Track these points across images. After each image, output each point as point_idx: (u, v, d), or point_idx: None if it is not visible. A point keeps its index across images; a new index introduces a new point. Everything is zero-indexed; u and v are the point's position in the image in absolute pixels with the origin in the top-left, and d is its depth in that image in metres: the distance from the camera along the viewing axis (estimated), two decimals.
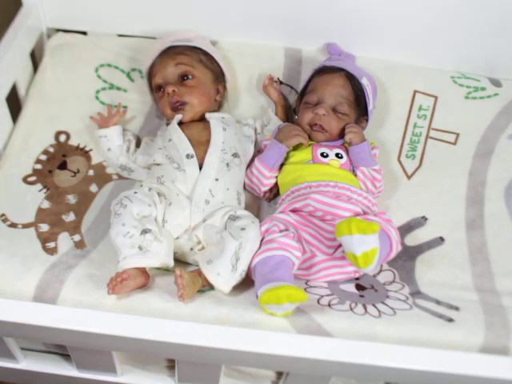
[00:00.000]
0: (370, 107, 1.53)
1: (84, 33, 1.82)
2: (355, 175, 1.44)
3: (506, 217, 1.47)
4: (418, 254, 1.40)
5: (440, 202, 1.51)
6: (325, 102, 1.46)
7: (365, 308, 1.24)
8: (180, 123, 1.50)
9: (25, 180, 1.51)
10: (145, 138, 1.59)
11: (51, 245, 1.36)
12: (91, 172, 1.55)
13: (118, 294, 1.21)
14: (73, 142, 1.61)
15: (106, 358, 1.20)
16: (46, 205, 1.46)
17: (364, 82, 1.51)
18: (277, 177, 1.48)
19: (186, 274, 1.22)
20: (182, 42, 1.57)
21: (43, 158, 1.56)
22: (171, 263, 1.30)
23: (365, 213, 1.36)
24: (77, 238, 1.39)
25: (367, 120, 1.55)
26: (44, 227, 1.40)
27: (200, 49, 1.58)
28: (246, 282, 1.27)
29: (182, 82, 1.51)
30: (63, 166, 1.55)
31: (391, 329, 1.18)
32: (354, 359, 1.05)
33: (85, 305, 1.20)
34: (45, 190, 1.49)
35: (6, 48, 1.60)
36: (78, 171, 1.55)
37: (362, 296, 1.28)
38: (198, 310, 1.21)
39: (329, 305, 1.24)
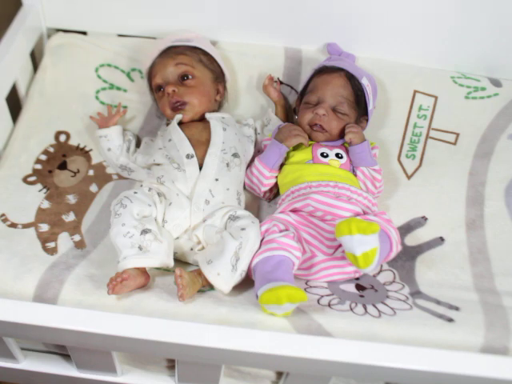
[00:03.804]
0: (370, 107, 1.53)
1: (84, 33, 1.82)
2: (355, 175, 1.44)
3: (506, 217, 1.47)
4: (417, 254, 1.40)
5: (440, 202, 1.51)
6: (325, 102, 1.46)
7: (365, 308, 1.24)
8: (180, 123, 1.50)
9: (25, 180, 1.51)
10: (145, 138, 1.59)
11: (51, 245, 1.36)
12: (91, 172, 1.55)
13: (118, 294, 1.21)
14: (73, 142, 1.61)
15: (105, 358, 1.20)
16: (46, 205, 1.46)
17: (364, 82, 1.51)
18: (277, 177, 1.48)
19: (186, 274, 1.22)
20: (182, 42, 1.57)
21: (43, 158, 1.56)
22: (171, 263, 1.30)
23: (365, 213, 1.36)
24: (77, 238, 1.39)
25: (367, 120, 1.55)
26: (44, 227, 1.40)
27: (200, 49, 1.58)
28: (246, 282, 1.27)
29: (182, 82, 1.51)
30: (63, 166, 1.55)
31: (391, 329, 1.18)
32: (354, 359, 1.05)
33: (85, 305, 1.20)
34: (45, 190, 1.49)
35: (6, 48, 1.60)
36: (78, 171, 1.55)
37: (361, 296, 1.28)
38: (198, 310, 1.21)
39: (329, 305, 1.24)
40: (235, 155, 1.45)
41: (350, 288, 1.30)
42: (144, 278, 1.25)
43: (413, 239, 1.43)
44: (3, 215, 1.42)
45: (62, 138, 1.61)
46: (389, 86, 1.70)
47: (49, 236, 1.38)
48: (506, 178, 1.54)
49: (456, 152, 1.61)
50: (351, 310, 1.23)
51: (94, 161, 1.58)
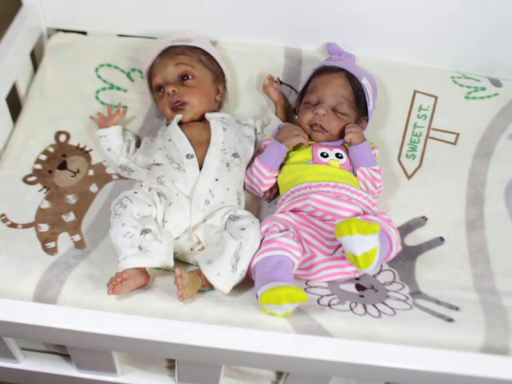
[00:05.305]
0: (370, 107, 1.53)
1: (84, 33, 1.82)
2: (355, 175, 1.44)
3: (506, 217, 1.47)
4: (417, 254, 1.40)
5: (440, 202, 1.51)
6: (325, 102, 1.46)
7: (365, 308, 1.24)
8: (180, 123, 1.50)
9: (25, 180, 1.51)
10: (145, 138, 1.59)
11: (51, 245, 1.36)
12: (91, 172, 1.55)
13: (118, 294, 1.21)
14: (73, 142, 1.61)
15: (105, 358, 1.20)
16: (46, 205, 1.46)
17: (364, 81, 1.51)
18: (277, 177, 1.48)
19: (186, 274, 1.22)
20: (182, 42, 1.57)
21: (43, 157, 1.56)
22: (171, 263, 1.30)
23: (365, 213, 1.36)
24: (77, 238, 1.39)
25: (367, 120, 1.55)
26: (44, 227, 1.40)
27: (200, 49, 1.58)
28: (246, 282, 1.27)
29: (182, 82, 1.51)
30: (63, 166, 1.55)
31: (391, 329, 1.18)
32: (354, 359, 1.05)
33: (85, 305, 1.20)
34: (45, 190, 1.49)
35: (5, 48, 1.60)
36: (78, 171, 1.55)
37: (361, 296, 1.28)
38: (198, 310, 1.21)
39: (329, 305, 1.24)
40: (235, 155, 1.45)
41: (350, 288, 1.30)
42: (144, 278, 1.25)
43: (413, 239, 1.43)
44: (3, 215, 1.42)
45: (62, 138, 1.61)
46: (389, 86, 1.70)
47: (49, 236, 1.38)
48: (506, 178, 1.54)
49: (456, 152, 1.61)
50: (351, 310, 1.23)
51: (94, 161, 1.58)
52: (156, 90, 1.55)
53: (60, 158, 1.57)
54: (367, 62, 1.70)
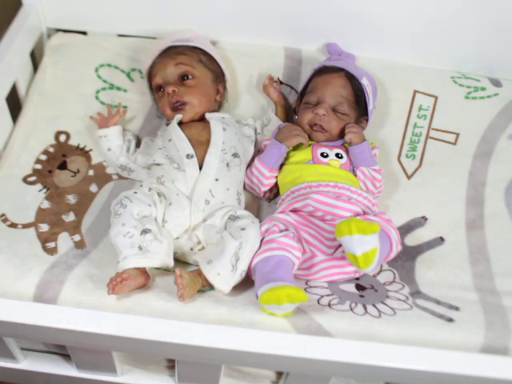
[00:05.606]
0: (370, 107, 1.53)
1: (84, 33, 1.82)
2: (355, 175, 1.44)
3: (506, 217, 1.47)
4: (417, 254, 1.40)
5: (440, 202, 1.51)
6: (325, 102, 1.46)
7: (365, 308, 1.24)
8: (180, 123, 1.50)
9: (25, 180, 1.51)
10: (145, 138, 1.59)
11: (51, 245, 1.36)
12: (91, 172, 1.55)
13: (118, 294, 1.21)
14: (73, 142, 1.61)
15: (105, 358, 1.20)
16: (46, 205, 1.46)
17: (364, 81, 1.51)
18: (277, 177, 1.48)
19: (186, 274, 1.22)
20: (182, 42, 1.57)
21: (43, 158, 1.56)
22: (171, 263, 1.30)
23: (365, 213, 1.36)
24: (77, 238, 1.39)
25: (367, 120, 1.55)
26: (44, 227, 1.40)
27: (200, 49, 1.58)
28: (246, 282, 1.27)
29: (182, 82, 1.51)
30: (63, 166, 1.55)
31: (391, 329, 1.18)
32: (354, 359, 1.05)
33: (85, 305, 1.20)
34: (45, 190, 1.49)
35: (6, 48, 1.60)
36: (78, 171, 1.55)
37: (362, 296, 1.28)
38: (198, 310, 1.21)
39: (329, 305, 1.24)
40: (235, 155, 1.45)
41: (350, 288, 1.30)
42: (144, 278, 1.25)
43: (413, 239, 1.43)
44: (3, 215, 1.42)
45: (62, 138, 1.61)
46: (389, 86, 1.70)
47: (49, 236, 1.38)
48: (506, 178, 1.54)
49: (456, 152, 1.61)
50: (351, 310, 1.23)
51: (94, 161, 1.58)
52: (156, 90, 1.55)
53: (60, 157, 1.57)
54: (367, 61, 1.70)
